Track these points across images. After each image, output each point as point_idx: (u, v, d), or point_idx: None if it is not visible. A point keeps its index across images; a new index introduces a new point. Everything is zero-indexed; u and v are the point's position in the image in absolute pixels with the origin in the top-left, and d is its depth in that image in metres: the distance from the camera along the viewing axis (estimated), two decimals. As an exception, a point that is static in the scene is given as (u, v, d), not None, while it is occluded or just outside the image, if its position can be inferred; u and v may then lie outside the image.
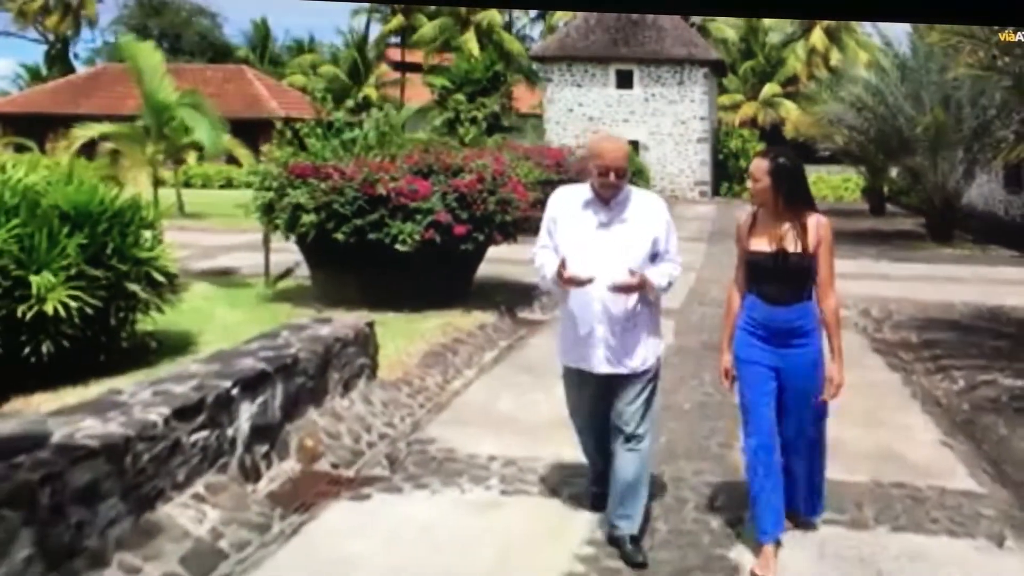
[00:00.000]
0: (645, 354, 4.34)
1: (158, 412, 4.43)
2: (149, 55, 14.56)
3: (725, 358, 4.37)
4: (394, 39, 52.61)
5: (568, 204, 4.37)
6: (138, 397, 4.65)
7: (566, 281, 4.17)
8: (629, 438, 4.31)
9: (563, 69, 35.13)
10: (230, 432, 4.95)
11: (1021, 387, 7.36)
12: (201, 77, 37.76)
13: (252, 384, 5.19)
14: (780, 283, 4.14)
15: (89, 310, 7.21)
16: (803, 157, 4.92)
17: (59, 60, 56.94)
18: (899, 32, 22.07)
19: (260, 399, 5.25)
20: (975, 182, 21.83)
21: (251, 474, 5.07)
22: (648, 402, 4.39)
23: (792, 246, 4.08)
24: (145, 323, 8.18)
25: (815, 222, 4.13)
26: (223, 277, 12.60)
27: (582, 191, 4.36)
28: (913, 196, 24.04)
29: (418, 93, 44.65)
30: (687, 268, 14.07)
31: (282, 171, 10.01)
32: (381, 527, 4.54)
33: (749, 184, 4.24)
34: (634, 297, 4.23)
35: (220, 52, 57.40)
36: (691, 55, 34.03)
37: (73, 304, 7.03)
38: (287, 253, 11.95)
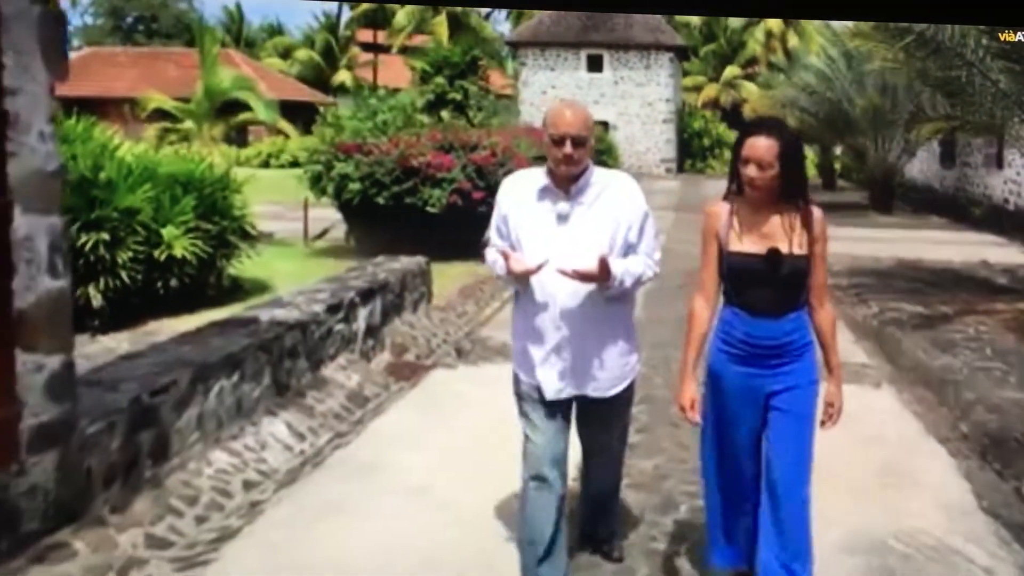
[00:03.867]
0: (617, 374, 3.54)
1: (319, 307, 6.59)
2: (213, 43, 16.50)
3: (687, 388, 3.38)
4: (365, 20, 53.94)
5: (520, 194, 3.49)
6: (297, 300, 6.80)
7: (513, 273, 3.37)
8: (606, 463, 3.84)
9: (536, 54, 37.22)
10: (354, 327, 7.11)
11: (920, 312, 9.69)
12: (189, 60, 38.94)
13: (364, 295, 7.35)
14: (771, 290, 3.26)
15: (203, 255, 9.31)
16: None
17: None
18: (847, 23, 24.38)
19: (369, 307, 7.41)
20: (915, 159, 24.38)
21: (366, 357, 7.24)
22: (626, 425, 3.81)
23: (787, 246, 3.23)
24: (230, 269, 10.35)
25: (813, 216, 3.28)
26: (265, 239, 14.65)
27: (535, 177, 3.50)
28: (860, 173, 26.49)
29: (392, 75, 46.34)
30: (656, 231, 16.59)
31: (329, 148, 12.13)
32: (471, 379, 6.76)
33: (751, 172, 3.20)
34: (603, 301, 3.41)
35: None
36: (658, 41, 36.33)
37: (192, 250, 9.13)
38: (314, 221, 14.10)
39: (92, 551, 3.75)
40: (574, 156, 3.33)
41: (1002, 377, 7.07)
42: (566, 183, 3.40)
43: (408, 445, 5.36)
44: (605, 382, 3.50)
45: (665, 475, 4.87)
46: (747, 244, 3.28)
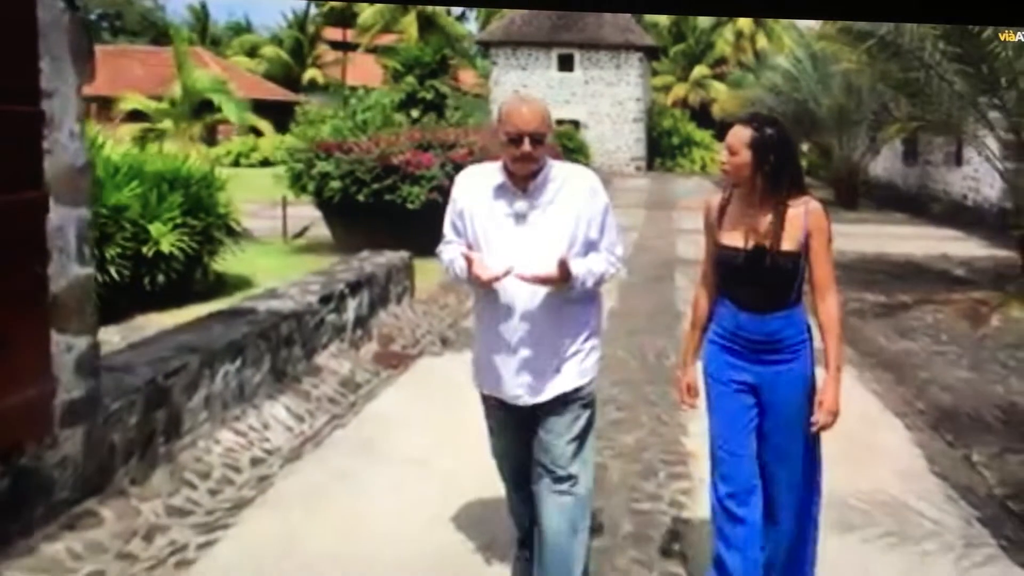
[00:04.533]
0: (577, 373, 3.35)
1: (312, 298, 6.90)
2: (183, 42, 16.68)
3: (686, 373, 3.51)
4: (332, 19, 53.93)
5: (476, 191, 3.34)
6: (291, 292, 7.10)
7: (478, 279, 3.20)
8: (559, 479, 3.35)
9: (508, 53, 37.60)
10: (344, 317, 7.42)
11: (881, 302, 10.18)
12: (155, 59, 38.85)
13: (353, 288, 7.66)
14: (756, 286, 3.24)
15: (189, 251, 9.58)
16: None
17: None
18: (814, 24, 25.01)
19: (358, 299, 7.73)
20: (880, 157, 25.03)
21: (356, 347, 7.55)
22: (583, 435, 3.40)
23: (772, 242, 3.18)
24: (215, 265, 10.63)
25: (804, 210, 3.21)
26: (246, 236, 14.90)
27: (491, 173, 3.34)
28: (827, 170, 27.11)
29: (362, 73, 46.51)
30: (628, 228, 17.07)
31: (310, 146, 12.42)
32: (457, 366, 7.04)
33: (723, 156, 3.27)
34: (566, 302, 3.27)
35: (162, 32, 58.14)
36: (628, 41, 36.82)
37: (179, 246, 9.39)
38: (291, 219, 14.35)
39: (117, 519, 4.05)
40: (533, 155, 3.18)
41: (956, 360, 7.53)
42: (523, 181, 3.25)
43: (402, 425, 5.69)
44: (564, 382, 3.32)
45: (645, 447, 5.25)
46: (733, 238, 3.27)
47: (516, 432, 3.45)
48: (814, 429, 3.23)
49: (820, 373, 3.31)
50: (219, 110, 18.04)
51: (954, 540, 4.10)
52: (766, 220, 3.20)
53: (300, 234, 14.20)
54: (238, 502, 4.47)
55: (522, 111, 3.18)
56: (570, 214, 3.24)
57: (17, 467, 3.69)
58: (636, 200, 23.59)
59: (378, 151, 12.03)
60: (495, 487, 3.98)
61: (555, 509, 3.33)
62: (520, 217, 3.25)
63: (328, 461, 5.08)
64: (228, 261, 10.80)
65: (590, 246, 3.27)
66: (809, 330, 3.31)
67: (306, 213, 14.61)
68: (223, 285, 10.46)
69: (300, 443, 5.40)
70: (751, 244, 3.22)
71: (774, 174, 3.17)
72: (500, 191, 3.27)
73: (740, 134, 3.20)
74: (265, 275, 10.98)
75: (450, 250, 3.38)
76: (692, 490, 4.46)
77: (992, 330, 8.79)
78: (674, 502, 4.45)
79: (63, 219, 3.89)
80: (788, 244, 3.17)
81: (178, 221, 9.59)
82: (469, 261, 3.19)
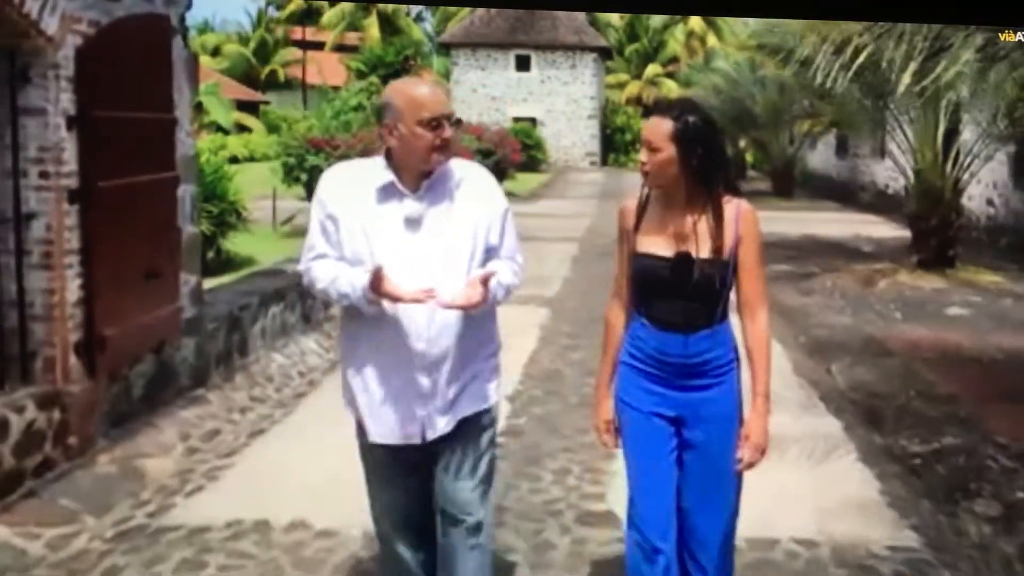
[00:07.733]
0: (479, 395, 2.96)
1: (327, 262, 8.65)
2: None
3: (602, 408, 3.03)
4: (295, 18, 55.06)
5: (353, 193, 2.82)
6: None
7: (383, 294, 2.66)
8: (470, 530, 2.98)
9: (468, 54, 39.43)
10: (350, 280, 9.17)
11: (792, 271, 12.11)
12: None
13: (356, 257, 9.41)
14: (682, 301, 2.79)
15: (207, 232, 11.25)
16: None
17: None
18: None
19: (359, 266, 9.48)
20: (816, 151, 27.19)
21: (359, 305, 9.31)
22: (489, 475, 3.05)
23: (701, 248, 2.75)
24: (227, 245, 12.34)
25: (735, 211, 2.78)
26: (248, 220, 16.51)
27: (370, 171, 2.85)
28: (766, 163, 29.22)
29: (323, 72, 47.85)
30: (581, 215, 18.94)
31: (301, 143, 14.17)
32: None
33: (641, 156, 2.80)
34: (463, 319, 2.81)
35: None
36: (582, 42, 38.84)
37: (200, 228, 11.07)
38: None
39: (219, 401, 5.81)
40: (452, 139, 2.79)
41: (840, 310, 9.47)
42: (415, 179, 2.79)
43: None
44: (466, 405, 2.92)
45: (595, 370, 7.07)
46: (655, 246, 2.81)
47: (406, 480, 3.03)
48: (739, 467, 2.85)
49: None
50: (207, 112, 19.64)
51: (798, 407, 5.98)
52: (693, 223, 2.78)
53: (288, 220, 15.88)
54: (298, 394, 6.27)
55: (436, 92, 2.78)
56: (470, 218, 2.83)
57: (161, 359, 5.43)
58: (590, 192, 25.56)
59: (361, 146, 13.80)
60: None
61: (470, 563, 3.01)
62: (412, 221, 2.79)
63: (357, 372, 6.85)
64: (232, 244, 12.51)
65: (490, 253, 2.88)
66: (736, 350, 2.93)
67: (289, 205, 16.31)
68: (232, 263, 12.16)
69: (332, 364, 7.16)
70: (675, 252, 2.79)
71: (703, 169, 2.74)
72: (386, 192, 2.80)
73: (660, 127, 2.74)
74: (265, 255, 12.67)
75: (327, 267, 2.82)
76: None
77: (879, 291, 10.74)
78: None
79: (184, 192, 5.64)
80: (719, 251, 2.76)
81: (197, 206, 11.26)
82: (379, 278, 2.63)
